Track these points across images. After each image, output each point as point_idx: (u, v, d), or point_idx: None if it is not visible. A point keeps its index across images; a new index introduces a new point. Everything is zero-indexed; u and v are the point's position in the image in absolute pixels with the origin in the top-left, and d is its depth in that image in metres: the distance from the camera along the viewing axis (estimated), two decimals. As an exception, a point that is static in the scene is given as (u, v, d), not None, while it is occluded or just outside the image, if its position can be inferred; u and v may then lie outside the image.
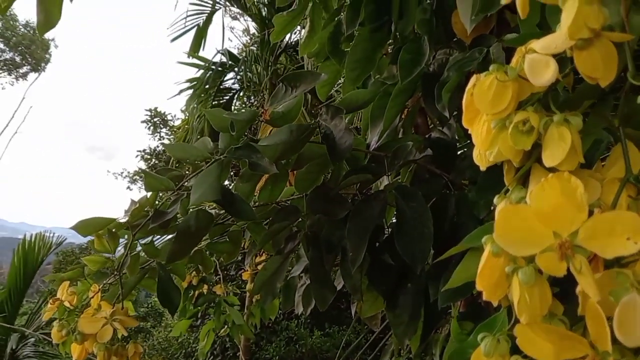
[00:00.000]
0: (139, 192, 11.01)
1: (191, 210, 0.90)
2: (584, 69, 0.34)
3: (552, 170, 0.36)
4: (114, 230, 0.88)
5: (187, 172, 0.91)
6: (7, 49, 13.25)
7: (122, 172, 11.50)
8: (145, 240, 0.95)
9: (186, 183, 0.87)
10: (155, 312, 7.35)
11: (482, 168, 0.42)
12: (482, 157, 0.41)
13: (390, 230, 1.03)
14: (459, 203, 0.88)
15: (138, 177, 11.03)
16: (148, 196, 0.88)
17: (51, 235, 4.48)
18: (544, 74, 0.35)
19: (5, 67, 13.59)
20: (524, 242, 0.34)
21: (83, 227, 0.87)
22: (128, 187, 11.32)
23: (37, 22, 0.97)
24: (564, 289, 0.37)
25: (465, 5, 0.77)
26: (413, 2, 0.88)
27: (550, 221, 0.33)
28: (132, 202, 0.88)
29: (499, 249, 0.35)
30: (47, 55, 13.91)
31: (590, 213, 0.35)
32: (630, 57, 0.36)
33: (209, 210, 0.94)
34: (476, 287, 0.37)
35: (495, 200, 0.42)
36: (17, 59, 13.47)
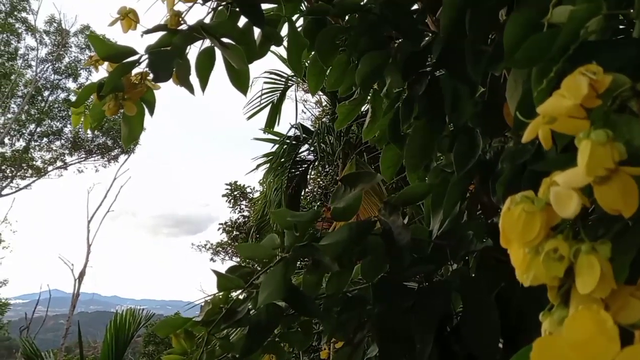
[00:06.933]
0: (222, 264, 11.33)
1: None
2: (603, 202, 0.35)
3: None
4: (189, 329, 0.94)
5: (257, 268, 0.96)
6: (100, 134, 14.42)
7: (205, 244, 11.93)
8: (221, 334, 1.00)
9: (255, 281, 0.92)
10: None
11: (525, 285, 0.43)
12: (522, 277, 0.42)
13: (459, 317, 1.02)
14: (524, 291, 0.87)
15: (221, 249, 11.38)
16: (221, 295, 0.94)
17: (141, 310, 4.69)
18: (569, 207, 0.36)
19: (98, 151, 14.79)
20: (560, 373, 0.35)
21: (162, 327, 0.93)
22: (211, 259, 11.70)
23: (122, 135, 1.09)
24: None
25: (514, 100, 0.79)
26: (465, 96, 0.91)
27: (584, 353, 0.34)
28: (206, 302, 0.93)
29: (539, 379, 0.36)
30: (136, 138, 14.95)
31: (631, 335, 0.36)
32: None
33: (279, 304, 0.98)
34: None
35: (540, 317, 0.43)
36: (109, 142, 14.63)
